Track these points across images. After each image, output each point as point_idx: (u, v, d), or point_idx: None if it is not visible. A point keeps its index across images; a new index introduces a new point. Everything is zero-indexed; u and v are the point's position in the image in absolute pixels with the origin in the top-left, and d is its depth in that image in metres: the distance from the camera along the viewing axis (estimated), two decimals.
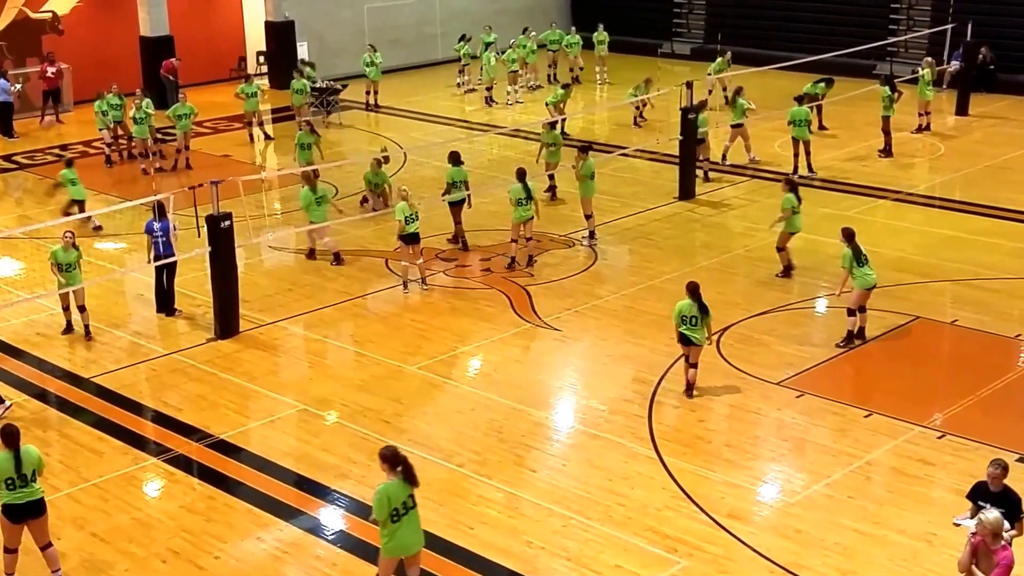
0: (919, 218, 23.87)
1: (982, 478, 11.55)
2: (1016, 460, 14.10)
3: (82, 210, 23.41)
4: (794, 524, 13.08)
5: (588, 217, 22.41)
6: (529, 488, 13.98)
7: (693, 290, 15.82)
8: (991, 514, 10.10)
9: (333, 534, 13.16)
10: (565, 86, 31.79)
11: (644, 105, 31.40)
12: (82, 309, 18.45)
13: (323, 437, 15.42)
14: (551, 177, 25.05)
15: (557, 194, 25.05)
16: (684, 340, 15.93)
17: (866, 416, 15.45)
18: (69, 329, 18.62)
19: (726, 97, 32.61)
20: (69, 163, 24.32)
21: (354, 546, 12.87)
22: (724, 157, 27.45)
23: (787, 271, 20.42)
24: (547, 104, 30.69)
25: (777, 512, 13.42)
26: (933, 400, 15.97)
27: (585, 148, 23.03)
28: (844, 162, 27.77)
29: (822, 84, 30.25)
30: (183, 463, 14.82)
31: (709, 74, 32.50)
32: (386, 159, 24.85)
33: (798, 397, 16.07)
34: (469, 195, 22.16)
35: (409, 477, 10.99)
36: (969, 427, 15.03)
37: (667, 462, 14.42)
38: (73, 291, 18.27)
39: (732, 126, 27.43)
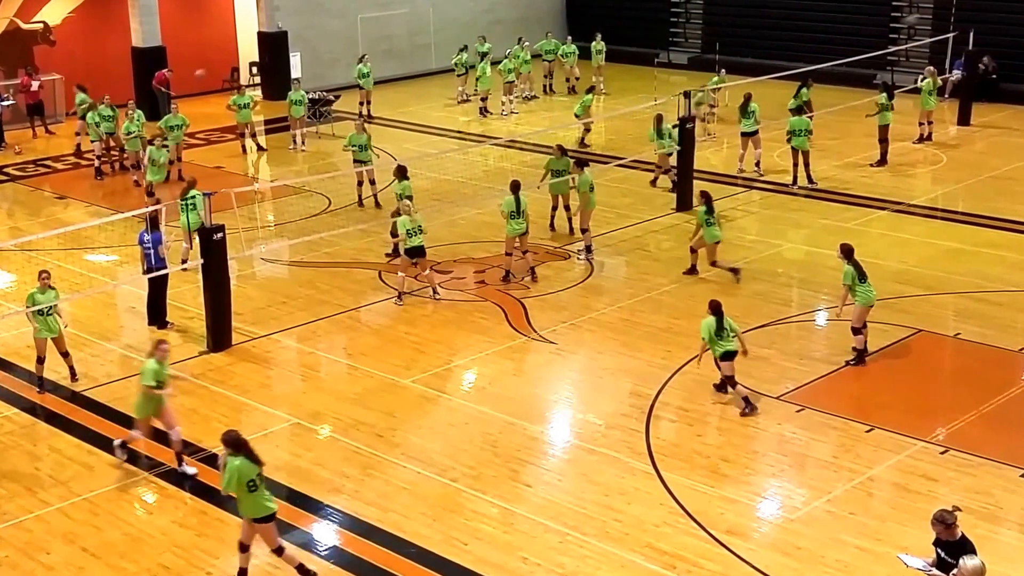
0: (921, 229, 23.70)
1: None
2: (1021, 476, 13.99)
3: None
4: (794, 541, 12.90)
5: (584, 231, 22.21)
6: (524, 503, 13.79)
7: (716, 308, 15.76)
8: (972, 562, 10.08)
9: (326, 549, 12.99)
10: (590, 90, 31.69)
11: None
12: (65, 355, 17.10)
13: (316, 451, 15.24)
14: (556, 210, 23.55)
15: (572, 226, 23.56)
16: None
17: (868, 431, 15.26)
18: (42, 386, 16.89)
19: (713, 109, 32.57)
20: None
21: (348, 562, 12.72)
22: (757, 164, 27.19)
23: (692, 270, 20.87)
24: (576, 115, 30.43)
25: (777, 528, 13.23)
26: (936, 415, 15.78)
27: (581, 162, 22.76)
28: (844, 172, 27.62)
29: (804, 89, 29.88)
30: (174, 477, 14.61)
31: (706, 91, 32.28)
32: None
33: (798, 411, 15.88)
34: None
35: (253, 458, 12.03)
36: (972, 442, 14.85)
37: (665, 477, 14.25)
38: (52, 339, 16.83)
39: (746, 134, 27.10)
